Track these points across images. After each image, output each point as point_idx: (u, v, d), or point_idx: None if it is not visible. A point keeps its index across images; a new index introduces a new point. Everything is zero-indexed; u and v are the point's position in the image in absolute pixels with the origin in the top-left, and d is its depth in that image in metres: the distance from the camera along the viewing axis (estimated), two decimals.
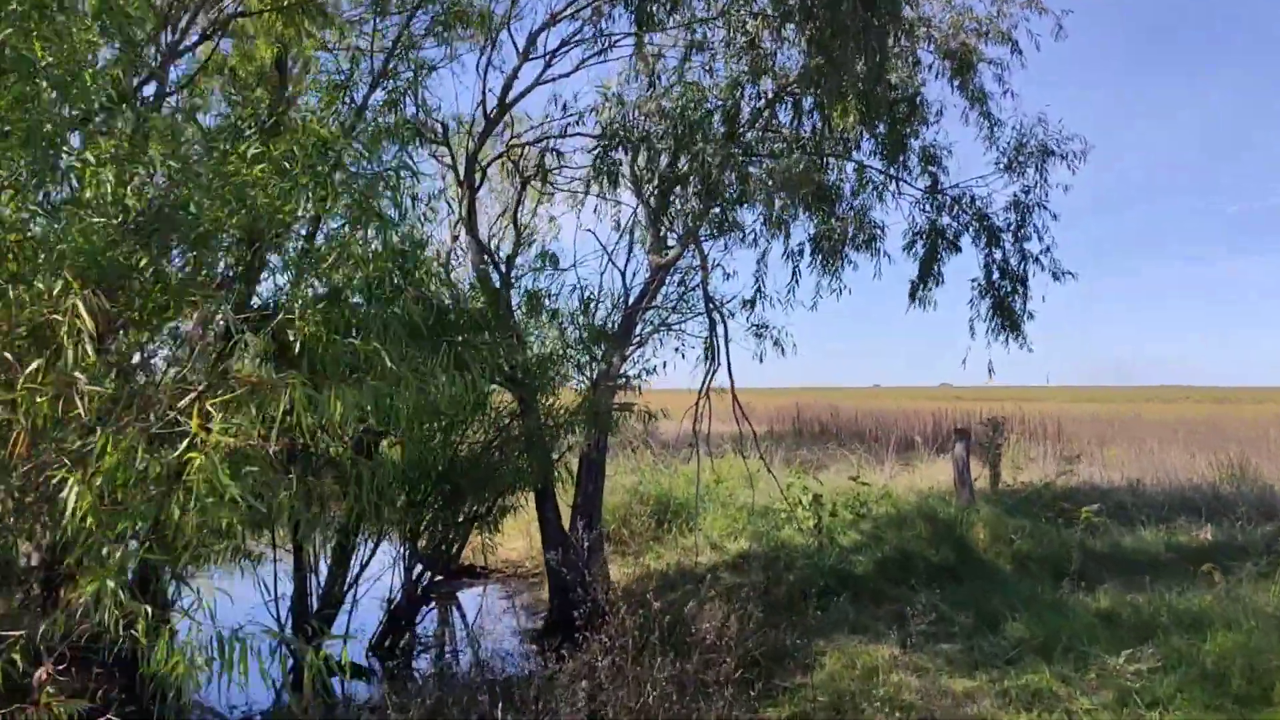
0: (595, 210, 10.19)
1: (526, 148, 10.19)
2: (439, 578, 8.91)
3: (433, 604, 9.87)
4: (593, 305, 9.29)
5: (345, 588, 7.73)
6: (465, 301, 7.71)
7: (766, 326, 10.38)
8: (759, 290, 10.63)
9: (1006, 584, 8.88)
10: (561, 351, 8.74)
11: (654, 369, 9.67)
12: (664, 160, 9.29)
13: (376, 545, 8.11)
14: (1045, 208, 10.61)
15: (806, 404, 33.55)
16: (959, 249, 10.91)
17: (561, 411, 8.63)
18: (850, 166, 10.73)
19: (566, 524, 9.22)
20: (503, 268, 9.19)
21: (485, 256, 9.17)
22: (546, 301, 8.88)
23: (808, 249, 10.16)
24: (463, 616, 10.86)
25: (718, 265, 10.30)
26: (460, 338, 6.17)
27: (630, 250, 9.73)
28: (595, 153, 9.03)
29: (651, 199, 9.94)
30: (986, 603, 8.33)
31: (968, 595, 8.63)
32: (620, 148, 8.93)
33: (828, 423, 29.65)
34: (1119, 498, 13.35)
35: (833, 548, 10.53)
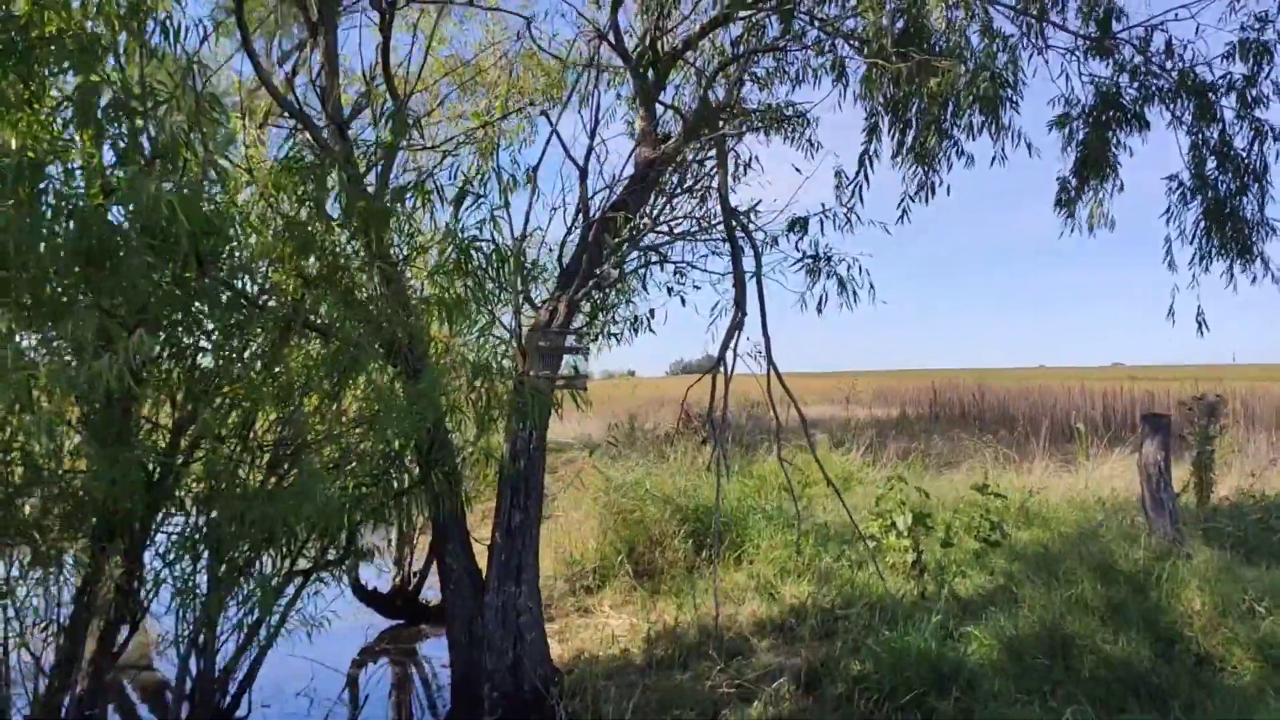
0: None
1: None
2: None
3: None
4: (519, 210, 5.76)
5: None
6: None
7: (824, 259, 6.62)
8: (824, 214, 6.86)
9: (1253, 707, 4.86)
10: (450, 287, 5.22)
11: (635, 322, 6.10)
12: None
13: None
14: None
15: (948, 385, 28.81)
16: (1142, 124, 6.77)
17: (456, 388, 5.14)
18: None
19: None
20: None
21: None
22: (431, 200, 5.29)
23: (884, 123, 6.25)
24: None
25: (748, 162, 6.62)
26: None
27: (594, 132, 6.16)
28: None
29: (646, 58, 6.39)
30: None
31: None
32: None
33: (969, 406, 24.98)
34: None
35: (939, 602, 6.71)
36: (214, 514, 4.09)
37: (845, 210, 6.66)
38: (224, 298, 4.09)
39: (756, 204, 6.15)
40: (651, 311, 6.38)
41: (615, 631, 7.43)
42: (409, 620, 8.65)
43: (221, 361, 4.32)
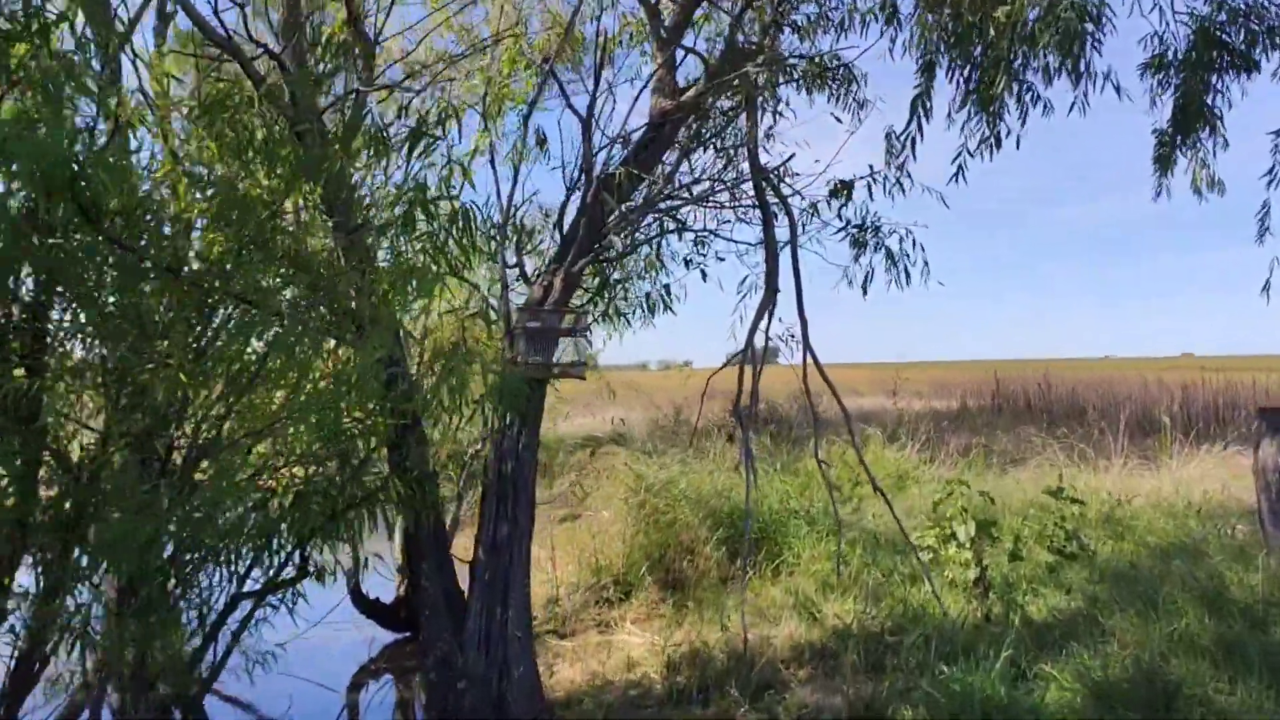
0: None
1: None
2: None
3: None
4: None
5: None
6: None
7: (871, 229, 5.68)
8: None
9: None
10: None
11: (649, 300, 5.20)
12: None
13: None
14: None
15: (1011, 376, 27.25)
16: (1251, 66, 5.66)
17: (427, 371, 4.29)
18: None
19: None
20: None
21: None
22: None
23: (942, 61, 5.22)
24: None
25: (779, 109, 5.67)
26: None
27: (599, 73, 5.24)
28: None
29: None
30: None
31: None
32: None
33: (1035, 398, 23.52)
34: None
35: (1007, 628, 5.72)
36: (89, 539, 3.28)
37: (896, 171, 5.69)
38: (124, 260, 3.28)
39: (790, 158, 5.20)
40: (667, 288, 5.46)
41: (634, 654, 6.57)
42: (415, 633, 7.88)
43: (133, 341, 3.53)
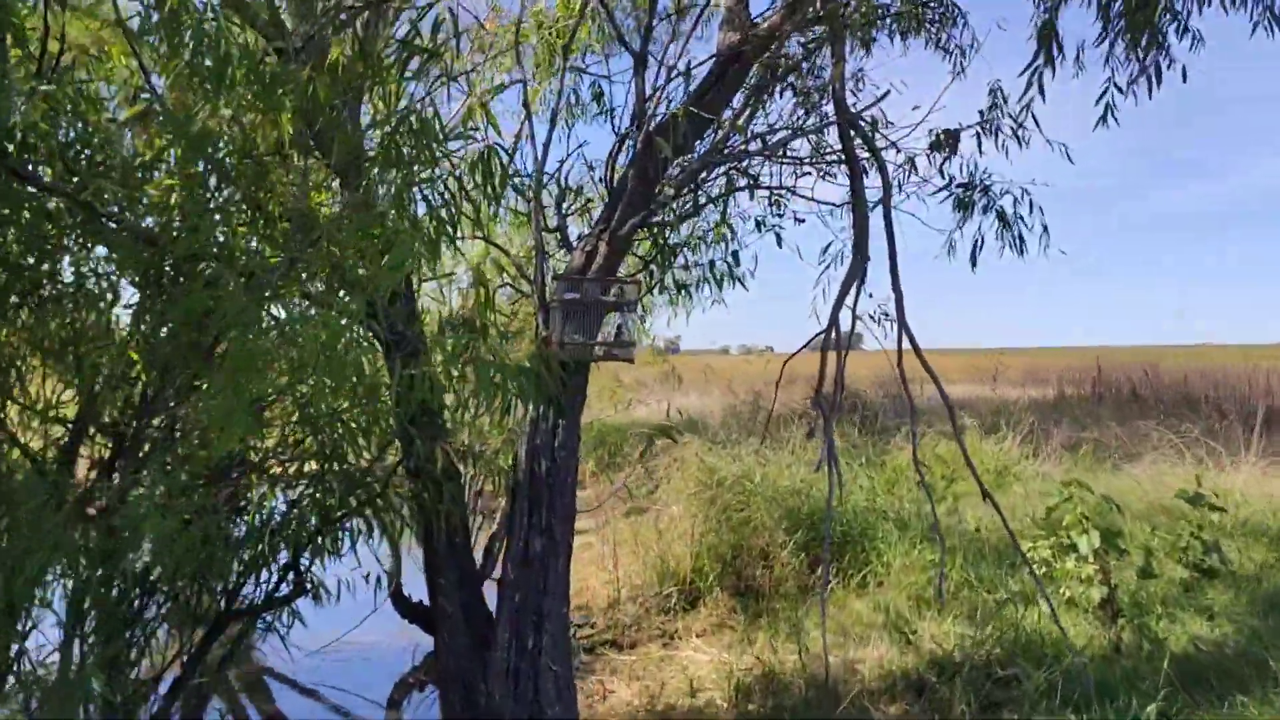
0: None
1: None
2: None
3: None
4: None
5: None
6: None
7: (980, 187, 4.77)
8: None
9: None
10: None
11: (713, 269, 4.39)
12: None
13: None
14: None
15: (1113, 364, 25.47)
16: None
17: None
18: None
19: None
20: None
21: None
22: None
23: None
24: None
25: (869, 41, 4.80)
26: None
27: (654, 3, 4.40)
28: None
29: None
30: None
31: None
32: None
33: (1140, 386, 21.85)
34: None
35: (1141, 662, 4.77)
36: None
37: (1022, 111, 4.75)
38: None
39: (883, 95, 4.31)
40: (735, 254, 4.60)
41: (699, 673, 5.81)
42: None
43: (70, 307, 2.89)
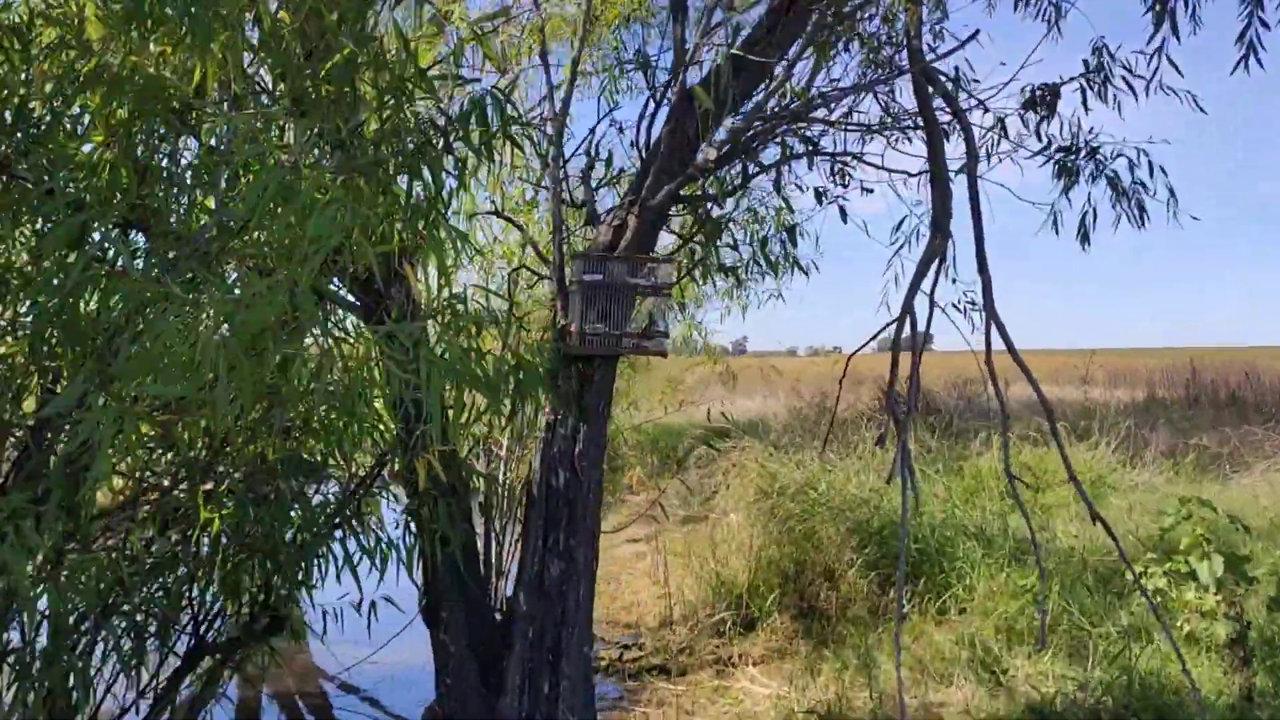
0: None
1: None
2: None
3: None
4: None
5: None
6: None
7: (1087, 150, 4.05)
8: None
9: None
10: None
11: (764, 248, 3.72)
12: None
13: None
14: None
15: (1208, 364, 23.87)
16: None
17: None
18: None
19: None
20: None
21: None
22: None
23: None
24: None
25: None
26: None
27: None
28: None
29: None
30: None
31: None
32: None
33: (1240, 390, 20.35)
34: None
35: None
36: None
37: (1130, 70, 4.02)
38: None
39: (971, 37, 3.60)
40: (791, 229, 3.91)
41: (757, 708, 5.15)
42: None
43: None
